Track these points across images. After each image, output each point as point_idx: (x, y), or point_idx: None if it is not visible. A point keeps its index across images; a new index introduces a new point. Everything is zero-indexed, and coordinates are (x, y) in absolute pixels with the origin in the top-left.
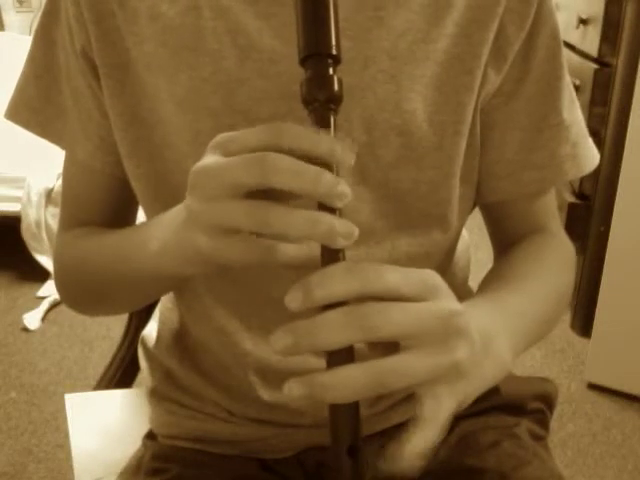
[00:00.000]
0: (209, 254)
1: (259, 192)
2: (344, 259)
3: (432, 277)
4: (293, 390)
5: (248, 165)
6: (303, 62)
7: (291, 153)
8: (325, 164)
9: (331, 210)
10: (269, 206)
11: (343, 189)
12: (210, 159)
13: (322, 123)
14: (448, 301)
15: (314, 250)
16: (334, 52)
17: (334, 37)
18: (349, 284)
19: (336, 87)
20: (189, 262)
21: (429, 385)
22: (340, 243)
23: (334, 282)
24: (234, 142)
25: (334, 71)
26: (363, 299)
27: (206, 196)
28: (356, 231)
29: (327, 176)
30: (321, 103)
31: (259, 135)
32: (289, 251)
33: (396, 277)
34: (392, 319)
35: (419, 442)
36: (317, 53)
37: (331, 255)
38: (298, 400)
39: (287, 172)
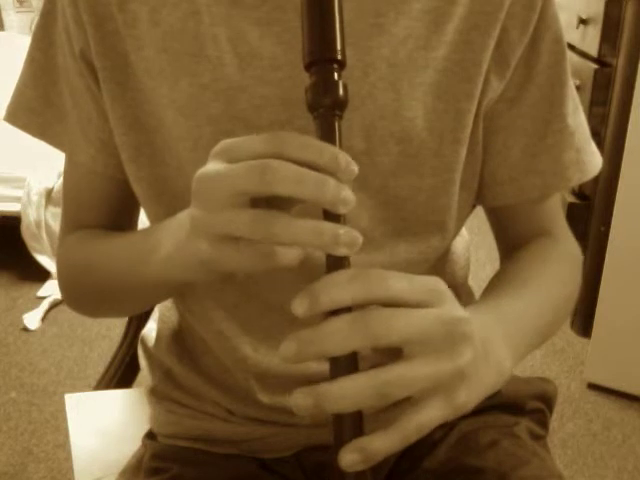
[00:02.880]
0: (210, 261)
1: (262, 197)
2: (349, 265)
3: (436, 283)
4: (298, 400)
5: (251, 172)
6: (308, 67)
7: (294, 161)
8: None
9: (335, 216)
10: (273, 216)
11: (347, 195)
12: (213, 166)
13: (327, 129)
14: (453, 307)
15: (313, 253)
16: (339, 57)
17: (339, 42)
18: (354, 290)
19: (341, 92)
20: (193, 270)
21: (428, 392)
22: (343, 252)
23: (339, 288)
24: (237, 149)
25: (339, 76)
26: (368, 305)
27: (209, 204)
28: (360, 239)
29: (331, 183)
30: (326, 109)
31: (262, 142)
32: (289, 256)
33: (401, 284)
34: (397, 326)
35: (378, 445)
36: (323, 58)
37: (336, 262)
38: (304, 411)
39: (290, 179)
